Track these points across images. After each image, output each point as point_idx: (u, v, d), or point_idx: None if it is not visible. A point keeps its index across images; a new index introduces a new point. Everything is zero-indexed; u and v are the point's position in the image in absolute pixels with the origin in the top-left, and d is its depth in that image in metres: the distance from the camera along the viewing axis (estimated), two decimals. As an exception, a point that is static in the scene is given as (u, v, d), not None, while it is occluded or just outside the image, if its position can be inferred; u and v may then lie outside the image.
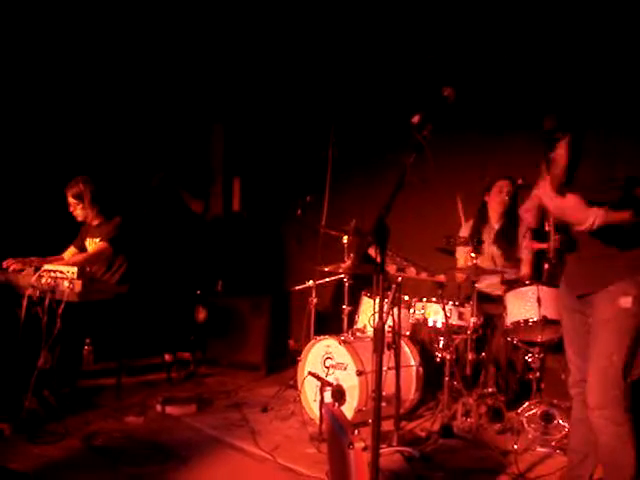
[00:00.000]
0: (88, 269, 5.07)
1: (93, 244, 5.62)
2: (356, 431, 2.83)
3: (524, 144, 5.09)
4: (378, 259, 2.78)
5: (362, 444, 2.74)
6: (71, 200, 5.58)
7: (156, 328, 6.63)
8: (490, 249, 5.61)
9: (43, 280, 4.76)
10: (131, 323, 5.63)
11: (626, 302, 3.01)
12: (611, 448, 3.06)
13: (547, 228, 3.28)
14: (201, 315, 7.31)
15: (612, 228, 2.94)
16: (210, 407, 5.34)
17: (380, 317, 2.78)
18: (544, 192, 2.98)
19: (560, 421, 4.41)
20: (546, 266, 4.79)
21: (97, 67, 6.94)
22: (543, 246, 3.61)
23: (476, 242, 5.18)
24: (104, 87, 7.07)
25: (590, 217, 2.85)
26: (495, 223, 5.67)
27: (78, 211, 5.63)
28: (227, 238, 8.42)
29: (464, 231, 5.77)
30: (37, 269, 4.87)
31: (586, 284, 3.19)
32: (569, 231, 3.13)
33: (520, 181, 5.06)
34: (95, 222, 5.70)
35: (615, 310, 3.03)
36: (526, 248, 5.37)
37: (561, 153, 3.01)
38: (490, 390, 4.98)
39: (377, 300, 2.90)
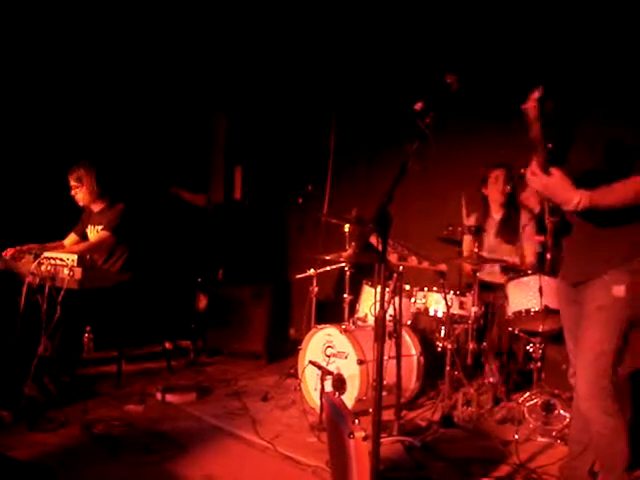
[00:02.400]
0: (88, 257, 5.05)
1: (95, 232, 5.61)
2: (356, 420, 2.82)
3: (526, 131, 5.06)
4: (380, 248, 2.76)
5: (362, 433, 2.73)
6: (73, 183, 5.57)
7: (156, 316, 6.61)
8: (492, 240, 5.59)
9: (43, 267, 4.75)
10: (131, 311, 5.62)
11: (619, 291, 2.98)
12: (605, 438, 3.06)
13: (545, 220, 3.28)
14: (202, 303, 7.31)
15: (602, 213, 2.94)
16: (210, 396, 5.33)
17: (381, 306, 2.77)
18: (531, 172, 2.96)
19: (561, 411, 4.41)
20: (548, 256, 4.77)
21: (100, 55, 6.92)
22: (543, 239, 3.60)
23: (475, 231, 5.19)
24: (107, 75, 7.05)
25: (575, 197, 2.83)
26: (496, 214, 5.65)
27: (79, 195, 5.61)
28: (228, 226, 8.40)
29: (472, 221, 5.75)
30: (37, 256, 4.86)
31: (580, 272, 3.17)
32: (563, 215, 3.11)
33: (523, 171, 5.04)
34: (97, 208, 5.69)
35: (608, 299, 3.01)
36: (528, 240, 5.35)
37: (535, 131, 2.98)
38: (491, 380, 4.98)
39: (378, 289, 2.88)
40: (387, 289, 4.36)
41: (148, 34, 7.11)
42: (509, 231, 5.50)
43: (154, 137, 7.63)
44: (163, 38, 7.26)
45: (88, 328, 5.94)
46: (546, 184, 2.91)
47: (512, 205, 5.53)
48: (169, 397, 5.07)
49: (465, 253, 5.68)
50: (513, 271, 5.07)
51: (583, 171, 3.01)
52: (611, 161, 2.97)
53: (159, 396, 5.08)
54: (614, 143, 2.97)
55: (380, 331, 2.74)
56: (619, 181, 2.89)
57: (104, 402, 4.96)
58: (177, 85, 7.73)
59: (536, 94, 2.91)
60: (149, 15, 6.92)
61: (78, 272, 4.74)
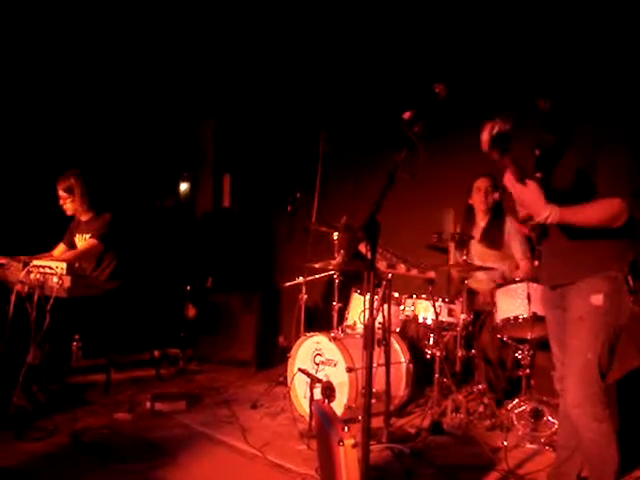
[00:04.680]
0: (77, 265, 5.05)
1: (83, 240, 5.61)
2: (346, 428, 2.83)
3: (516, 140, 5.09)
4: (368, 255, 2.77)
5: (352, 441, 2.73)
6: (62, 193, 5.56)
7: (145, 324, 6.62)
8: (477, 247, 5.61)
9: (32, 276, 4.74)
10: (120, 319, 5.62)
11: (597, 300, 3.00)
12: (594, 444, 3.07)
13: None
14: (191, 311, 7.31)
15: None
16: (200, 404, 5.32)
17: (370, 314, 2.78)
18: (507, 178, 2.99)
19: (549, 418, 4.43)
20: (536, 263, 4.80)
21: (86, 62, 6.91)
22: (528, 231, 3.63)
23: (460, 239, 5.23)
24: (92, 82, 7.04)
25: (544, 212, 2.86)
26: (481, 221, 5.67)
27: (68, 205, 5.60)
28: (217, 234, 8.42)
29: (456, 228, 5.78)
30: (25, 264, 4.85)
31: (558, 275, 3.19)
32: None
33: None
34: (85, 217, 5.68)
35: (586, 308, 3.02)
36: (517, 234, 5.39)
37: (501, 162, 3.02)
38: (480, 387, 5.00)
39: (367, 297, 2.89)
40: (376, 297, 4.38)
41: (136, 41, 7.11)
42: (493, 237, 5.53)
43: (141, 144, 7.62)
44: (152, 44, 7.25)
45: (77, 336, 5.91)
46: (519, 194, 2.95)
47: (498, 212, 5.56)
48: (158, 405, 5.05)
49: (451, 261, 5.71)
50: (505, 283, 5.08)
51: (568, 182, 3.04)
52: (592, 178, 2.99)
53: (148, 404, 5.07)
54: (601, 158, 2.99)
55: (369, 339, 2.74)
56: (594, 201, 2.93)
57: (93, 411, 4.95)
58: (164, 91, 7.73)
59: (485, 134, 2.95)
60: (137, 22, 6.91)
61: (67, 280, 4.74)
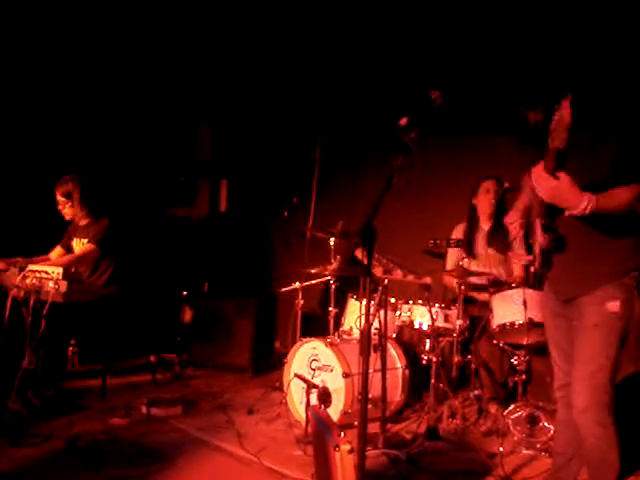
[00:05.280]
0: (74, 270, 5.04)
1: (80, 245, 5.60)
2: (342, 433, 2.83)
3: (511, 146, 5.12)
4: (365, 261, 2.78)
5: (348, 446, 2.73)
6: (60, 198, 5.56)
7: (141, 329, 6.61)
8: (484, 251, 5.61)
9: (28, 280, 4.74)
10: (117, 324, 5.61)
11: (614, 306, 3.01)
12: (597, 449, 3.07)
13: (530, 241, 3.29)
14: (187, 316, 7.30)
15: (601, 222, 2.97)
16: (196, 409, 5.32)
17: (366, 319, 2.78)
18: (537, 175, 2.95)
19: (545, 423, 4.42)
20: (532, 269, 4.80)
21: (85, 67, 6.91)
22: (527, 258, 3.61)
23: (462, 244, 5.23)
24: (90, 87, 7.04)
25: (584, 200, 2.82)
26: (485, 225, 5.67)
27: (67, 210, 5.60)
28: (213, 239, 8.41)
29: (456, 234, 5.77)
30: (22, 269, 4.84)
31: (572, 288, 3.17)
32: (557, 230, 3.11)
33: (507, 184, 5.09)
34: (83, 222, 5.68)
35: (604, 314, 3.03)
36: (515, 258, 5.38)
37: (560, 138, 2.95)
38: (477, 392, 5.00)
39: (364, 302, 2.89)
40: (372, 302, 4.38)
41: (135, 47, 7.11)
42: (499, 241, 5.52)
43: (138, 149, 7.62)
44: (150, 51, 7.26)
45: (73, 341, 5.92)
46: (554, 188, 2.89)
47: (501, 215, 5.55)
48: (154, 411, 5.05)
49: (448, 267, 5.71)
50: (498, 285, 5.09)
51: (582, 176, 3.03)
52: (609, 168, 2.99)
53: (144, 410, 5.06)
54: (612, 151, 2.99)
55: (365, 344, 2.75)
56: (620, 187, 2.92)
57: (89, 416, 4.94)
58: (162, 97, 7.74)
59: (568, 99, 2.87)
60: (136, 29, 6.92)
61: (63, 285, 4.74)
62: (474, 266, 5.46)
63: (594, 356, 3.04)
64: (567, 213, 2.93)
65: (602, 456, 3.08)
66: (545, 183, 2.89)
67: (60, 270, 4.78)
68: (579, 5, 5.25)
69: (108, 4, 6.50)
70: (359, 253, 3.33)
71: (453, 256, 5.75)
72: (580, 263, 3.13)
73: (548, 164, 2.88)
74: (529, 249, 5.38)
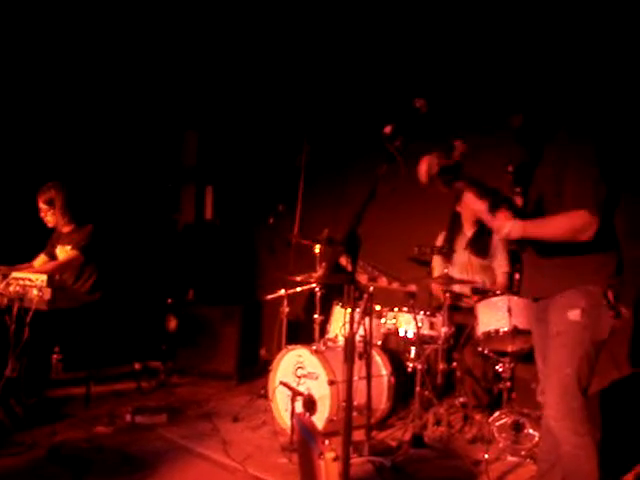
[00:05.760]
0: (58, 277, 5.02)
1: (64, 252, 5.57)
2: (327, 441, 2.82)
3: (495, 152, 5.14)
4: (349, 268, 2.78)
5: (333, 454, 2.73)
6: (42, 206, 5.53)
7: (126, 337, 6.58)
8: (464, 257, 5.63)
9: (11, 288, 4.72)
10: (101, 331, 5.59)
11: (575, 315, 3.01)
12: (573, 458, 3.06)
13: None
14: (172, 324, 7.27)
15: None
16: (181, 417, 5.29)
17: (351, 327, 2.78)
18: (468, 197, 3.00)
19: (530, 430, 4.44)
20: (517, 276, 4.83)
21: (71, 74, 6.89)
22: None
23: (446, 251, 5.24)
24: (75, 94, 7.02)
25: (505, 227, 2.87)
26: (468, 231, 5.70)
27: (49, 217, 5.57)
28: (199, 246, 8.39)
29: (439, 241, 5.79)
30: (5, 276, 4.82)
31: (538, 288, 3.22)
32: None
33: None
34: (66, 229, 5.65)
35: (564, 323, 3.04)
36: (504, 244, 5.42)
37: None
38: (462, 400, 5.01)
39: (348, 310, 2.89)
40: (357, 310, 4.38)
41: (122, 54, 7.11)
42: (481, 247, 5.55)
43: (124, 155, 7.60)
44: (137, 58, 7.26)
45: (57, 349, 5.89)
46: (480, 210, 2.94)
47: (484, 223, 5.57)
48: (139, 419, 5.02)
49: (435, 274, 5.72)
50: (483, 292, 5.11)
51: (542, 197, 3.06)
52: (561, 189, 3.01)
53: (129, 418, 5.03)
54: (568, 171, 3.01)
55: (349, 352, 2.75)
56: (560, 213, 2.94)
57: (73, 424, 4.91)
58: (149, 104, 7.73)
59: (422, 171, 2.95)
60: (123, 35, 6.92)
61: (47, 292, 4.71)
62: (456, 273, 5.48)
63: (559, 365, 3.05)
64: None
65: (579, 464, 3.06)
66: (473, 204, 2.95)
67: (44, 277, 4.75)
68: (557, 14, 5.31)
69: (93, 12, 6.50)
70: (344, 260, 3.32)
71: (438, 264, 5.77)
72: (547, 264, 3.15)
73: (472, 190, 2.95)
74: (513, 257, 5.44)
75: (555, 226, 2.95)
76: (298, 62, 7.25)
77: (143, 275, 7.50)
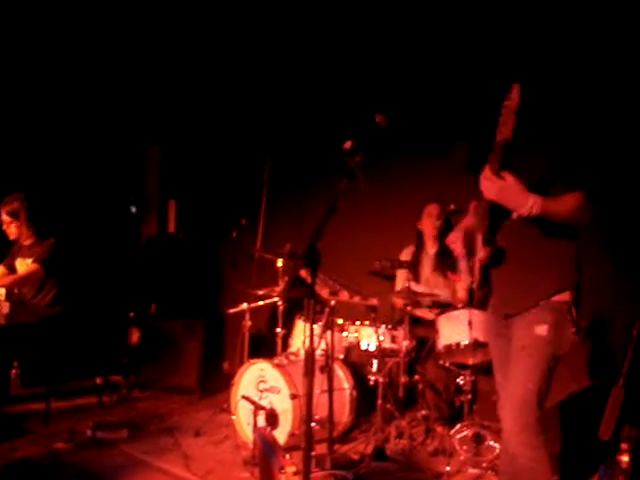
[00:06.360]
0: (17, 291, 4.97)
1: (24, 265, 5.51)
2: (287, 455, 2.83)
3: (458, 169, 5.20)
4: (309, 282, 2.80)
5: (293, 468, 2.74)
6: (5, 217, 5.47)
7: (87, 351, 6.52)
8: (428, 275, 5.68)
9: (-31, 302, 4.66)
10: (61, 346, 5.52)
11: (542, 330, 3.02)
12: (529, 471, 3.06)
13: (470, 263, 3.33)
14: (134, 338, 7.22)
15: (537, 242, 3.03)
16: (142, 432, 5.26)
17: (311, 341, 2.79)
18: (484, 176, 2.98)
19: (491, 442, 4.48)
20: (477, 290, 4.86)
21: (30, 87, 6.84)
22: (462, 279, 3.64)
23: (412, 266, 5.29)
24: (38, 106, 6.97)
25: (530, 200, 2.84)
26: (430, 248, 5.75)
27: (12, 229, 5.52)
28: (162, 260, 8.35)
29: (404, 256, 5.82)
30: (-37, 291, 4.76)
31: (510, 304, 3.21)
32: (496, 243, 3.13)
33: (452, 207, 5.16)
34: (27, 241, 5.59)
35: (530, 338, 3.05)
36: (450, 279, 5.45)
37: (507, 129, 2.96)
38: (424, 412, 5.04)
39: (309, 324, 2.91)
40: (319, 323, 4.40)
41: (84, 67, 7.07)
42: (445, 264, 5.59)
43: (87, 169, 7.55)
44: (99, 71, 7.22)
45: (16, 363, 5.80)
46: (501, 187, 2.91)
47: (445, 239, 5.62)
48: (100, 434, 4.98)
49: (397, 288, 5.76)
50: (443, 306, 5.16)
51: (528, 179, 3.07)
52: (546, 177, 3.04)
53: (89, 433, 4.98)
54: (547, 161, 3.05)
55: (309, 366, 2.76)
56: (566, 194, 2.96)
57: (32, 440, 4.85)
58: (112, 117, 7.70)
59: (518, 87, 2.89)
60: (85, 49, 6.89)
61: (6, 307, 4.68)
62: (420, 289, 5.52)
63: (521, 379, 3.06)
64: (514, 215, 2.96)
65: (534, 478, 3.06)
66: (491, 184, 2.93)
67: (2, 291, 4.72)
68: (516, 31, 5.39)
69: (52, 25, 6.46)
70: (305, 273, 3.33)
71: (401, 278, 5.80)
72: (514, 283, 3.17)
73: (494, 163, 2.91)
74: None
75: (566, 202, 2.94)
76: (260, 78, 7.27)
77: (105, 288, 7.44)
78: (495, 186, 2.92)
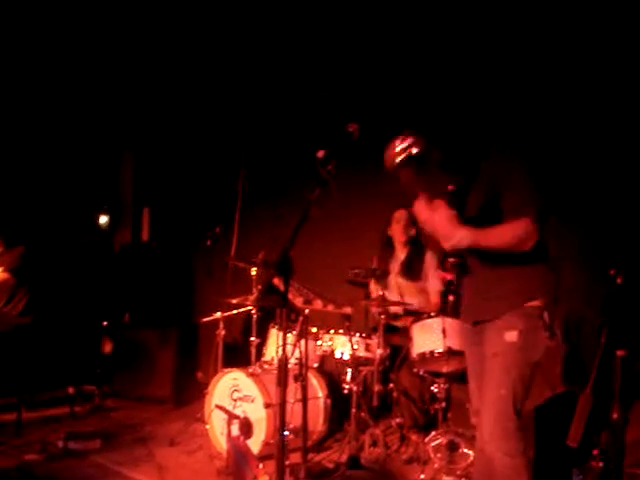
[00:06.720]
0: (-14, 301, 4.92)
1: (-6, 274, 5.47)
2: (260, 464, 2.82)
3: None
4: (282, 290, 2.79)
5: (266, 477, 2.74)
6: (-27, 226, 5.43)
7: (59, 360, 6.46)
8: (397, 280, 5.69)
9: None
10: (33, 355, 5.48)
11: (511, 336, 3.02)
12: (506, 478, 3.05)
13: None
14: (107, 347, 7.17)
15: (496, 254, 3.02)
16: (115, 442, 5.21)
17: (284, 349, 2.79)
18: (418, 205, 3.01)
19: (465, 449, 4.49)
20: (450, 297, 4.88)
21: (4, 92, 6.79)
22: (448, 277, 3.65)
23: (380, 274, 5.29)
24: (9, 112, 6.91)
25: (457, 234, 2.88)
26: (400, 253, 5.76)
27: (-20, 237, 5.48)
28: (135, 269, 8.31)
29: (375, 263, 5.83)
30: None
31: (478, 312, 3.22)
32: (463, 256, 3.16)
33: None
34: (-4, 250, 5.55)
35: (501, 344, 3.05)
36: (434, 278, 5.47)
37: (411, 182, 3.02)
38: (398, 420, 5.04)
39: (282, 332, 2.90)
40: (293, 332, 4.40)
41: (59, 72, 7.03)
42: (413, 270, 5.62)
43: (59, 176, 7.50)
44: (74, 76, 7.19)
45: (-15, 374, 5.75)
46: (429, 218, 2.95)
47: (416, 245, 5.65)
48: (72, 445, 4.93)
49: (372, 296, 5.77)
50: (416, 314, 5.17)
51: (477, 210, 3.09)
52: (499, 202, 3.05)
53: (61, 444, 4.93)
54: (507, 184, 3.05)
55: (282, 375, 2.75)
56: (505, 223, 2.98)
57: (2, 452, 4.79)
58: (85, 123, 7.65)
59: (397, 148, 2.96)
60: (59, 53, 6.85)
61: (-24, 317, 4.62)
62: (392, 296, 5.54)
63: (494, 386, 3.06)
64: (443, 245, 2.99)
65: None
66: (422, 213, 2.97)
67: (-27, 301, 4.66)
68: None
69: (25, 28, 6.42)
70: (278, 283, 3.33)
71: (376, 286, 5.81)
72: (486, 288, 3.18)
73: (425, 195, 2.95)
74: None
75: (500, 234, 2.95)
76: (235, 86, 7.28)
77: (78, 297, 7.39)
78: (424, 216, 2.96)
